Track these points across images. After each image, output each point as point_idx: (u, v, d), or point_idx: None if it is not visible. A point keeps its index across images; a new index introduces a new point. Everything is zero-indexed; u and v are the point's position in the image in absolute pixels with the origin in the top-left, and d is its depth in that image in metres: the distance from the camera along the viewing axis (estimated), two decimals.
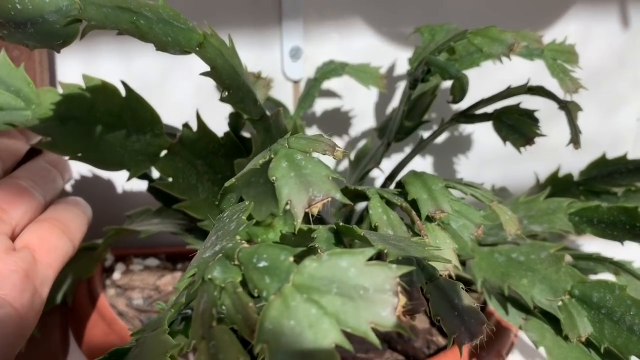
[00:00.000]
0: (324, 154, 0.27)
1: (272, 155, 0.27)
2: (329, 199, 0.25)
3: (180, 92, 0.62)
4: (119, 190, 0.63)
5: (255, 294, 0.23)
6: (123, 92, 0.42)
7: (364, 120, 0.66)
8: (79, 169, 0.62)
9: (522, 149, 0.42)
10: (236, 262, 0.24)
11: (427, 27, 0.55)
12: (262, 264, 0.23)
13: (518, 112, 0.43)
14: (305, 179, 0.25)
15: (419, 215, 0.36)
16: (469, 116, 0.44)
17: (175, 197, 0.47)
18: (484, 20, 0.65)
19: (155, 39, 0.32)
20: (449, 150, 0.69)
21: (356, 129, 0.66)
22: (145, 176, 0.49)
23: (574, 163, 0.64)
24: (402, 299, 0.21)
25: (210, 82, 0.62)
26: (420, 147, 0.45)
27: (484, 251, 0.47)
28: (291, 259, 0.22)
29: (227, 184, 0.29)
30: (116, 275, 0.57)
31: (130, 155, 0.41)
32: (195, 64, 0.61)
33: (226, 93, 0.36)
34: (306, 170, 0.26)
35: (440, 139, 0.69)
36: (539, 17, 0.68)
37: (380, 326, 0.20)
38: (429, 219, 0.37)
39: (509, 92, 0.44)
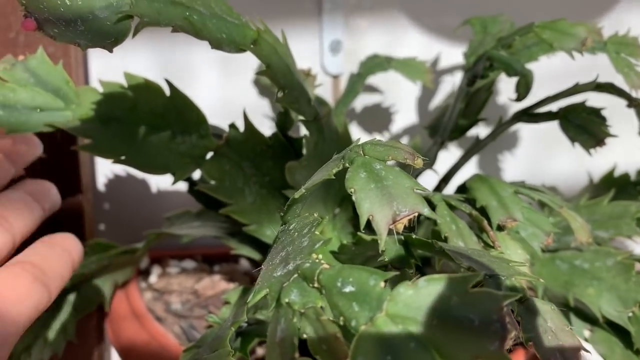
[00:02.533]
0: (404, 162, 0.24)
1: (348, 164, 0.25)
2: (416, 214, 0.22)
3: (216, 89, 0.59)
4: (154, 189, 0.61)
5: (341, 322, 0.20)
6: (167, 91, 0.39)
7: (406, 116, 0.63)
8: (113, 168, 0.60)
9: (591, 150, 0.39)
10: (316, 285, 0.21)
11: (478, 19, 0.52)
12: (348, 289, 0.20)
13: (585, 110, 0.41)
14: (387, 192, 0.23)
15: (490, 223, 0.33)
16: (532, 115, 0.41)
17: (217, 199, 0.45)
18: (531, 9, 0.62)
19: (210, 36, 0.30)
20: (495, 147, 0.66)
21: (398, 125, 0.63)
22: (187, 177, 0.47)
23: (628, 162, 0.61)
24: (511, 330, 0.18)
25: (247, 78, 0.60)
26: (478, 148, 0.43)
27: (545, 258, 0.44)
28: (382, 284, 0.20)
29: (296, 195, 0.27)
30: (152, 278, 0.56)
31: (175, 158, 0.39)
32: (232, 58, 0.59)
33: (281, 93, 0.34)
34: (387, 182, 0.23)
35: (482, 134, 0.66)
36: (590, 6, 0.65)
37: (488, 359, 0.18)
38: (499, 227, 0.34)
39: (576, 90, 0.41)
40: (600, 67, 0.47)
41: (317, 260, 0.22)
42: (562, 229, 0.42)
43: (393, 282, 0.28)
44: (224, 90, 0.60)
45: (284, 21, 0.59)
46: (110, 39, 0.27)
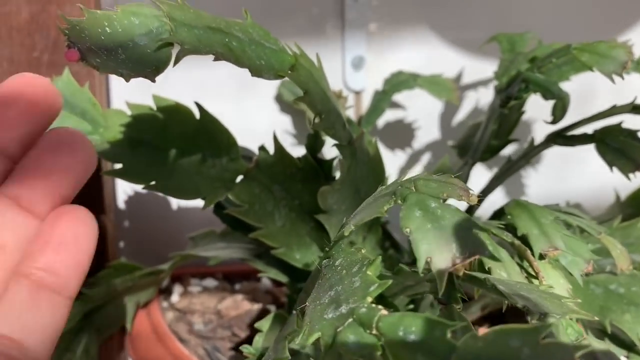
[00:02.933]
0: (459, 200, 0.24)
1: (400, 202, 0.24)
2: (477, 257, 0.21)
3: (231, 101, 0.59)
4: (175, 207, 0.60)
5: None
6: (197, 114, 0.39)
7: (429, 132, 0.63)
8: (134, 185, 0.59)
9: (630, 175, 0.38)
10: (374, 332, 0.21)
11: (505, 36, 0.52)
12: (411, 338, 0.20)
13: (622, 133, 0.40)
14: (445, 233, 0.22)
15: (531, 252, 0.33)
16: (567, 138, 0.40)
17: (244, 221, 0.44)
18: (553, 23, 0.61)
19: (249, 63, 0.29)
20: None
21: (421, 141, 0.63)
22: None
23: None
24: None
25: (269, 94, 0.59)
26: (512, 170, 0.42)
27: (578, 281, 0.43)
28: (449, 334, 0.19)
29: (346, 232, 0.26)
30: (174, 297, 0.55)
31: (206, 182, 0.39)
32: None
33: (318, 119, 0.33)
34: (444, 222, 0.23)
35: (507, 150, 0.65)
36: (613, 22, 0.64)
37: None
38: (540, 256, 0.33)
39: (612, 111, 0.40)
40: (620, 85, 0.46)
41: (373, 305, 0.21)
42: (596, 251, 0.42)
43: (444, 314, 0.27)
44: (245, 106, 0.59)
45: (306, 37, 0.58)
46: (151, 68, 0.26)
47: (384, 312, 0.21)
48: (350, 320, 0.21)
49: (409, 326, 0.20)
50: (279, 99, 0.59)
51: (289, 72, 0.31)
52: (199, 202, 0.48)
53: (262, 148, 0.40)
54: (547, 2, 0.62)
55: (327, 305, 0.24)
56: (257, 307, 0.52)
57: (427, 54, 0.60)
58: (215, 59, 0.28)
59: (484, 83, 0.62)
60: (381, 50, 0.60)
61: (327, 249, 0.27)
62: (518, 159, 0.42)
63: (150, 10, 0.26)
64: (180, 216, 0.61)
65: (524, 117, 0.61)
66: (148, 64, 0.26)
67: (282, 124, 0.60)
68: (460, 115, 0.63)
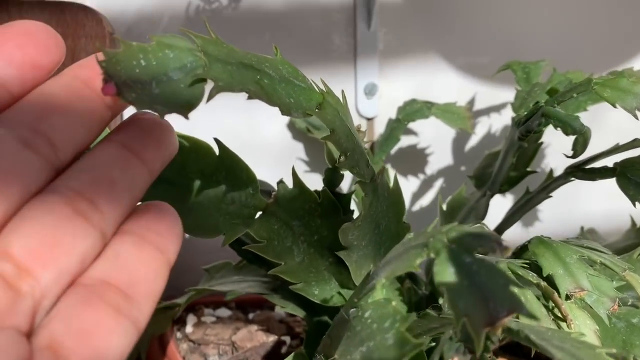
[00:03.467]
0: (493, 253, 0.23)
1: (433, 255, 0.24)
2: (514, 314, 0.21)
3: (245, 127, 0.59)
4: (187, 236, 0.60)
5: None
6: (216, 150, 0.39)
7: (441, 158, 0.63)
8: None
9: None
10: None
11: (519, 64, 0.52)
12: None
13: None
14: (482, 290, 0.22)
15: (558, 292, 0.32)
16: (588, 171, 0.40)
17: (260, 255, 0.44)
18: (562, 49, 0.61)
19: (280, 102, 0.29)
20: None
21: (433, 167, 0.62)
22: None
23: None
24: None
25: (281, 122, 0.59)
26: (532, 204, 0.42)
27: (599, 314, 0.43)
28: None
29: (378, 286, 0.26)
30: (188, 328, 0.55)
31: (225, 219, 0.38)
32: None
33: (343, 157, 0.33)
34: (481, 278, 0.22)
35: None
36: (620, 49, 0.64)
37: None
38: (566, 296, 0.33)
39: (634, 144, 0.40)
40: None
41: None
42: (619, 287, 0.41)
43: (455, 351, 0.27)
44: (258, 132, 0.59)
45: (318, 64, 0.58)
46: (183, 104, 0.26)
47: None
48: None
49: None
50: (291, 126, 0.59)
51: (317, 110, 0.31)
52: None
53: (280, 182, 0.40)
54: (556, 27, 0.62)
55: None
56: (272, 339, 0.52)
57: (438, 79, 0.60)
58: (249, 98, 0.27)
59: (496, 109, 0.62)
60: (393, 77, 0.60)
61: (355, 299, 0.27)
62: (537, 192, 0.42)
63: (185, 44, 0.25)
64: (194, 244, 0.60)
65: (542, 151, 0.61)
66: (181, 100, 0.26)
67: (296, 152, 0.60)
68: (473, 141, 0.63)
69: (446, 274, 0.23)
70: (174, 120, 0.57)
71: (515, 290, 0.22)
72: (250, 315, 0.57)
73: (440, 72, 0.61)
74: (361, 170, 0.35)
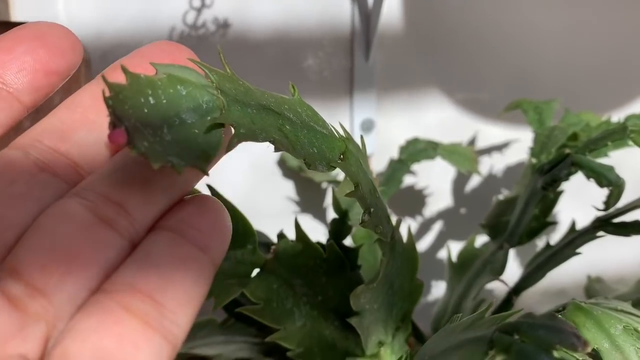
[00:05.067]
0: (572, 351, 0.19)
1: (500, 356, 0.19)
2: None
3: (235, 170, 0.54)
4: None
5: None
6: None
7: (440, 199, 0.59)
8: None
9: None
10: None
11: (530, 103, 0.48)
12: None
13: None
14: None
15: None
16: (619, 226, 0.36)
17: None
18: (566, 90, 0.58)
19: (304, 152, 0.24)
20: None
21: (432, 208, 0.58)
22: None
23: None
24: None
25: (270, 159, 0.54)
26: (557, 260, 0.38)
27: None
28: None
29: None
30: None
31: (217, 279, 0.33)
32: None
33: (367, 216, 0.28)
34: None
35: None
36: (621, 89, 0.62)
37: None
38: None
39: None
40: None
41: None
42: None
43: None
44: (245, 171, 0.54)
45: (313, 98, 0.54)
46: (199, 154, 0.20)
47: None
48: None
49: None
50: (281, 163, 0.54)
51: (340, 161, 0.26)
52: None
53: (281, 235, 0.35)
54: (560, 64, 0.59)
55: None
56: None
57: (439, 117, 0.57)
58: (276, 150, 0.22)
59: (498, 148, 0.58)
60: (391, 113, 0.56)
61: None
62: (561, 246, 0.38)
63: (198, 78, 0.20)
64: None
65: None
66: (197, 149, 0.20)
67: (286, 190, 0.55)
68: (473, 182, 0.59)
69: None
70: None
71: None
72: None
73: (440, 109, 0.57)
74: (384, 229, 0.30)
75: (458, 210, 0.58)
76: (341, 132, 0.28)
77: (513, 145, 0.58)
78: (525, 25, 0.56)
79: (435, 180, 0.58)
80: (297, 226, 0.36)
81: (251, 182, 0.54)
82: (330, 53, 0.53)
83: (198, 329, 0.44)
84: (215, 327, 0.43)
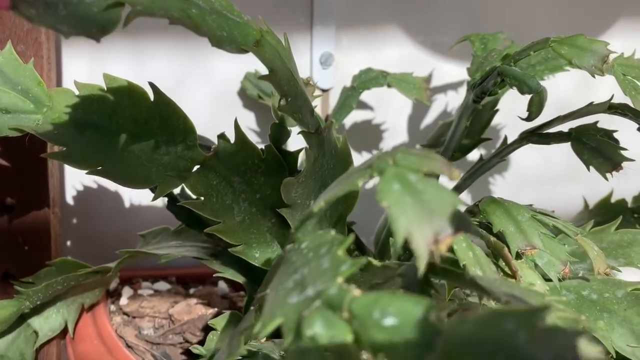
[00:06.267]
0: (440, 174, 0.22)
1: (376, 174, 0.22)
2: (461, 234, 0.19)
3: (198, 99, 0.56)
4: (127, 204, 0.57)
5: None
6: (151, 96, 0.36)
7: (397, 134, 0.61)
8: (83, 179, 0.55)
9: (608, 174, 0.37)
10: (345, 315, 0.18)
11: (477, 35, 0.50)
12: (389, 322, 0.17)
13: (598, 132, 0.39)
14: (426, 207, 0.20)
15: (509, 250, 0.31)
16: (543, 136, 0.39)
17: (199, 217, 0.41)
18: (526, 31, 0.60)
19: (209, 33, 0.26)
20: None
21: (388, 143, 0.61)
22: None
23: (620, 189, 0.59)
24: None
25: (232, 89, 0.56)
26: (485, 168, 0.40)
27: (550, 287, 0.42)
28: (433, 316, 0.17)
29: (315, 209, 0.23)
30: (123, 300, 0.51)
31: (158, 170, 0.35)
32: (214, 68, 0.55)
33: (284, 101, 0.30)
34: (426, 196, 0.20)
35: (474, 155, 0.64)
36: (583, 30, 0.64)
37: None
38: (517, 255, 0.31)
39: (588, 110, 0.39)
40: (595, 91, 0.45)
41: (344, 286, 0.19)
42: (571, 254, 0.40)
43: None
44: (206, 101, 0.56)
45: (274, 30, 0.56)
46: (97, 27, 0.23)
47: (357, 292, 0.18)
48: (317, 303, 0.19)
49: (386, 307, 0.18)
50: (243, 94, 0.57)
51: (254, 47, 0.29)
52: (151, 200, 0.44)
53: (222, 136, 0.37)
54: (519, 7, 0.61)
55: (292, 289, 0.21)
56: (211, 311, 0.49)
57: (398, 55, 0.59)
58: (171, 23, 0.25)
59: (454, 86, 0.60)
60: (350, 49, 0.58)
61: (292, 230, 0.25)
62: (491, 156, 0.41)
63: None
64: (135, 214, 0.57)
65: (496, 121, 0.60)
66: (94, 23, 0.23)
67: (247, 121, 0.57)
68: (429, 118, 0.61)
69: (389, 192, 0.21)
70: (110, 64, 0.53)
71: (463, 212, 0.20)
72: (192, 290, 0.54)
73: (400, 47, 0.59)
74: (304, 118, 0.32)
75: (413, 146, 0.61)
76: (263, 27, 0.30)
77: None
78: None
79: (392, 117, 0.60)
80: (237, 127, 0.38)
81: (212, 112, 0.56)
82: None
83: (152, 237, 0.46)
84: (169, 234, 0.46)
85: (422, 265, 0.18)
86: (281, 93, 0.30)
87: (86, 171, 0.34)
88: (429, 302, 0.17)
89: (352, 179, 0.22)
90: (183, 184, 0.36)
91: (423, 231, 0.19)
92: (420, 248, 0.18)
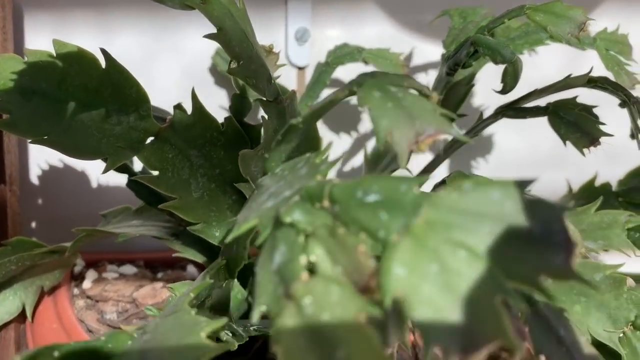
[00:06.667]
0: (419, 93, 0.21)
1: (355, 88, 0.21)
2: (442, 135, 0.18)
3: (166, 75, 0.54)
4: (94, 184, 0.55)
5: (362, 238, 0.17)
6: (103, 63, 0.34)
7: None
8: (47, 157, 0.53)
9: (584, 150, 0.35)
10: (325, 204, 0.17)
11: (456, 10, 0.48)
12: (372, 198, 0.17)
13: (576, 106, 0.37)
14: (407, 111, 0.20)
15: None
16: (519, 110, 0.37)
17: (161, 195, 0.39)
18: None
19: None
20: (466, 151, 0.62)
21: (367, 124, 0.59)
22: (126, 168, 0.42)
23: (605, 173, 0.57)
24: (579, 244, 0.18)
25: (202, 65, 0.54)
26: (458, 144, 0.38)
27: None
28: (416, 189, 0.16)
29: (291, 123, 0.23)
30: (86, 283, 0.49)
31: (108, 141, 0.33)
32: (184, 43, 0.53)
33: (235, 64, 0.28)
34: (406, 103, 0.20)
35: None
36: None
37: (554, 276, 0.16)
38: None
39: (567, 84, 0.37)
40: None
41: (324, 180, 0.19)
42: None
43: None
44: (175, 77, 0.54)
45: (249, 4, 0.54)
46: None
47: (338, 181, 0.18)
48: (296, 197, 0.18)
49: (370, 186, 0.17)
50: (214, 70, 0.54)
51: (201, 3, 0.27)
52: (122, 179, 0.42)
53: (178, 106, 0.35)
54: None
55: (266, 200, 0.20)
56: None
57: (375, 32, 0.57)
58: None
59: (434, 65, 0.58)
60: (327, 25, 0.56)
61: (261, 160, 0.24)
62: (466, 132, 0.39)
63: None
64: (103, 194, 0.55)
65: (478, 102, 0.58)
66: None
67: (219, 99, 0.55)
68: None
69: (370, 97, 0.21)
70: (75, 39, 0.50)
71: (443, 115, 0.20)
72: (159, 274, 0.52)
73: (377, 24, 0.57)
74: (259, 84, 0.30)
75: None
76: None
77: None
78: None
79: None
80: (194, 97, 0.36)
81: (183, 89, 0.54)
82: None
83: (113, 216, 0.44)
84: (130, 214, 0.44)
85: (403, 163, 0.18)
86: (232, 55, 0.28)
87: (30, 140, 0.32)
88: (412, 179, 0.17)
89: (333, 94, 0.22)
90: (138, 158, 0.34)
91: (404, 131, 0.18)
92: (400, 146, 0.18)
